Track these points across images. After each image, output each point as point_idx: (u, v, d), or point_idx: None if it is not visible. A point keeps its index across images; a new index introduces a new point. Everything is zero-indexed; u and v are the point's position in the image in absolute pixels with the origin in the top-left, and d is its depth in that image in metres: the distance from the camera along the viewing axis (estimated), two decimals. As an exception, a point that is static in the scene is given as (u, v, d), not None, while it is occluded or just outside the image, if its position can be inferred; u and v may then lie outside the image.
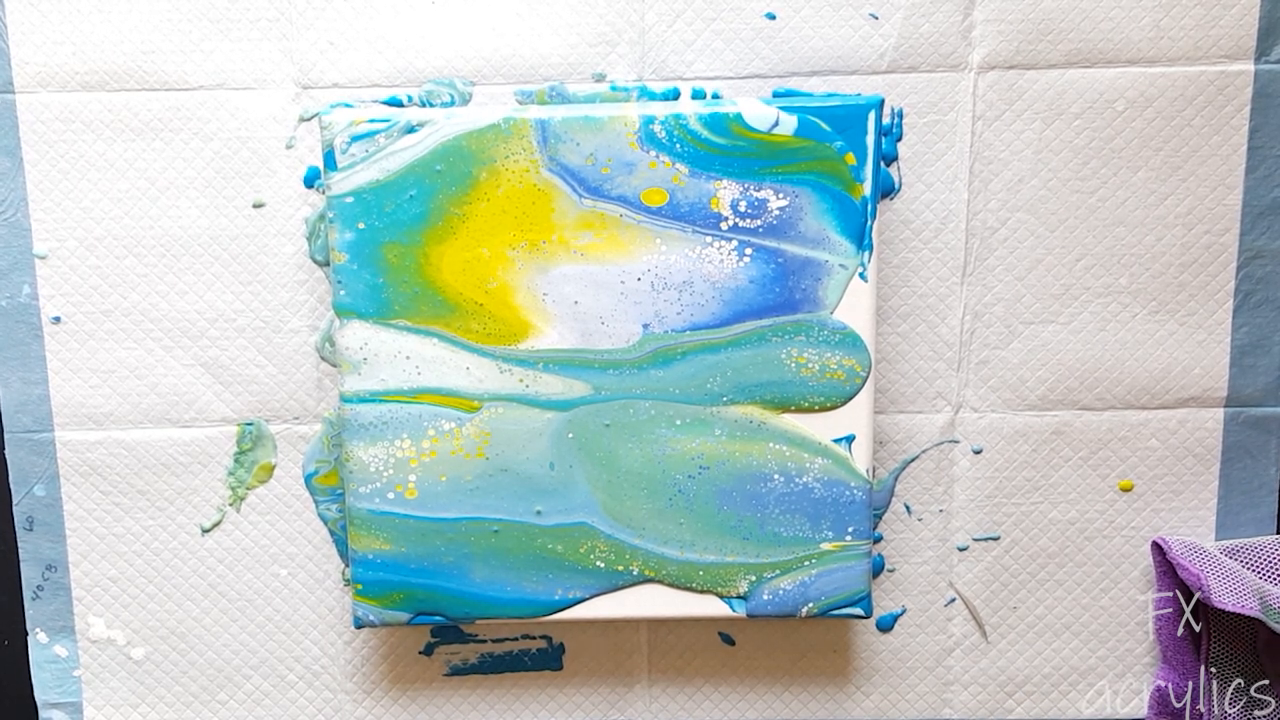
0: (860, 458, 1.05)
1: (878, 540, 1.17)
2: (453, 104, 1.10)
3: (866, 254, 1.02)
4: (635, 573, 1.07)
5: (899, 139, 1.10)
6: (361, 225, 1.02)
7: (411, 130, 1.01)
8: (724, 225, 1.01)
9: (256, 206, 1.11)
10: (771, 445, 1.05)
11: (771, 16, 1.08)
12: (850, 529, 1.06)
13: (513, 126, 1.00)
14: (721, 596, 1.07)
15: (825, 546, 1.06)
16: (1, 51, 1.08)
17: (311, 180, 1.11)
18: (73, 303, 1.12)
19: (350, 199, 1.01)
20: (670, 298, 1.02)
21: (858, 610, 1.08)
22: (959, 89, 1.10)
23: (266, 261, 1.12)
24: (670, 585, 1.07)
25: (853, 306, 1.03)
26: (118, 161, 1.10)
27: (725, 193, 1.01)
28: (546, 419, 1.04)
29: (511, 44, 1.09)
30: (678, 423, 1.04)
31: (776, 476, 1.05)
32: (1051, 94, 1.09)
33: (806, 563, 1.07)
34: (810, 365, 1.03)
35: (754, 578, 1.07)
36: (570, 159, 1.00)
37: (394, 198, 1.01)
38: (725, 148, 1.00)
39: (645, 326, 1.03)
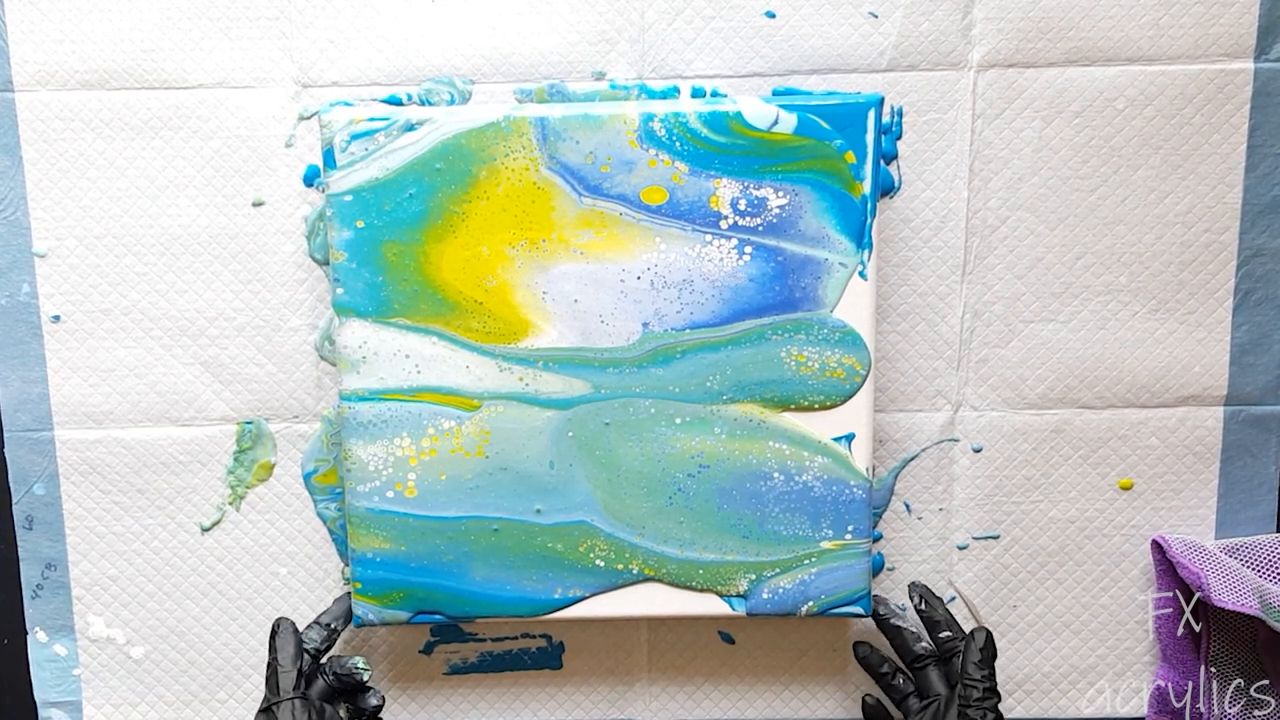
0: (860, 456, 1.05)
1: (877, 539, 1.17)
2: (452, 102, 1.10)
3: (866, 252, 1.02)
4: (635, 571, 1.07)
5: (899, 137, 1.10)
6: (360, 224, 1.02)
7: (411, 128, 1.00)
8: (724, 224, 1.01)
9: (256, 205, 1.11)
10: (771, 444, 1.05)
11: (771, 15, 1.08)
12: (850, 527, 1.06)
13: (512, 124, 1.00)
14: (721, 595, 1.07)
15: (825, 545, 1.06)
16: (1, 50, 1.08)
17: (311, 179, 1.11)
18: (72, 301, 1.12)
19: (349, 197, 1.01)
20: (670, 296, 1.02)
21: (858, 609, 1.08)
22: (959, 87, 1.10)
23: (266, 260, 1.12)
24: (670, 584, 1.07)
25: (852, 305, 1.03)
26: (117, 160, 1.10)
27: (725, 191, 1.01)
28: (546, 417, 1.04)
29: (511, 42, 1.09)
30: (677, 421, 1.04)
31: (776, 475, 1.05)
32: (1051, 92, 1.09)
33: (806, 561, 1.07)
34: (810, 364, 1.03)
35: (754, 576, 1.07)
36: (570, 157, 1.00)
37: (393, 196, 1.01)
38: (725, 146, 1.00)
39: (645, 325, 1.03)
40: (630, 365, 1.03)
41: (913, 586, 1.11)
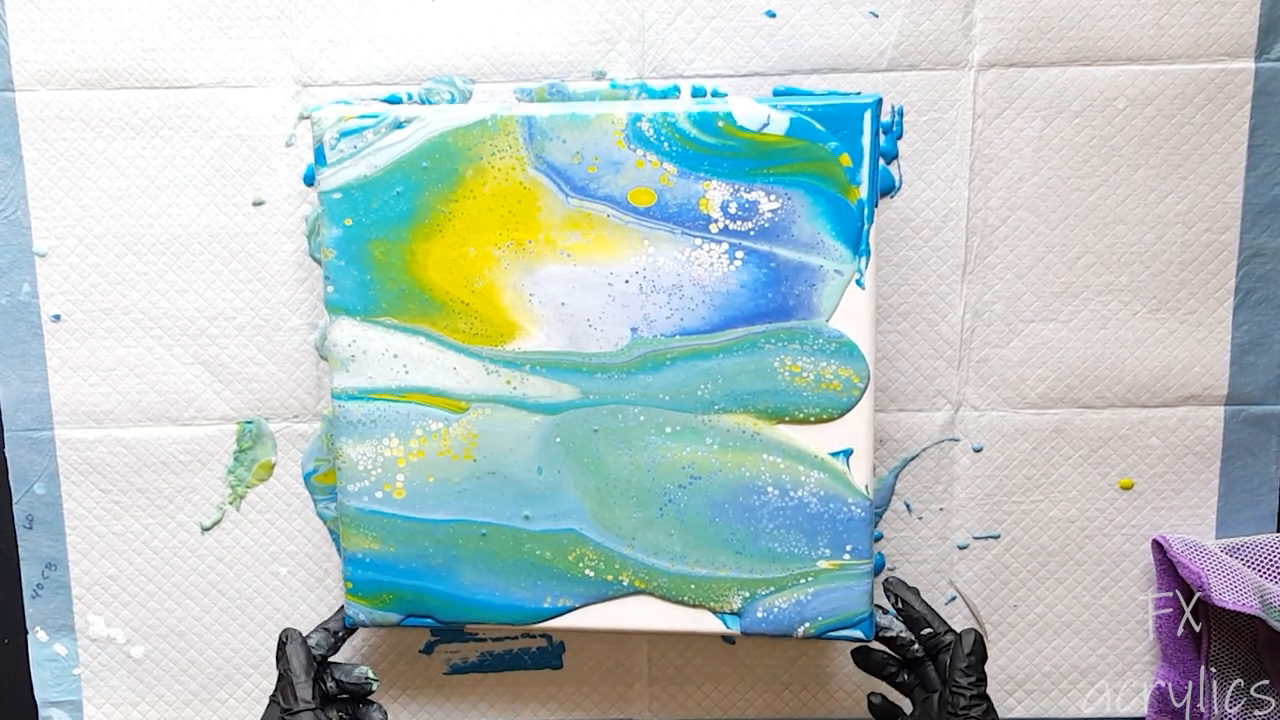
0: (859, 473, 1.01)
1: (878, 539, 1.16)
2: (453, 102, 1.10)
3: (864, 259, 0.98)
4: (626, 584, 1.04)
5: (899, 137, 1.10)
6: (349, 221, 1.01)
7: (399, 126, 1.00)
8: (714, 227, 0.98)
9: (256, 204, 1.12)
10: (765, 456, 1.01)
11: (772, 14, 1.08)
12: (849, 547, 1.02)
13: (499, 123, 0.99)
14: (714, 612, 1.04)
15: (822, 565, 1.02)
16: (1, 49, 1.09)
17: (311, 178, 1.11)
18: (72, 300, 1.13)
19: (339, 195, 1.01)
20: (659, 301, 1.00)
21: (858, 633, 1.03)
22: (959, 87, 1.09)
23: (266, 259, 1.12)
24: (662, 598, 1.04)
25: (850, 314, 0.99)
26: (117, 159, 1.11)
27: (715, 194, 0.98)
28: (534, 422, 1.03)
29: (511, 42, 1.09)
30: (668, 430, 1.02)
31: (770, 489, 1.02)
32: (1052, 92, 1.09)
33: (802, 580, 1.03)
34: (805, 375, 1.00)
35: (747, 594, 1.03)
36: (557, 157, 0.99)
37: (381, 194, 1.01)
38: (715, 147, 0.97)
39: (634, 330, 1.00)
40: (619, 371, 1.01)
41: (887, 586, 1.07)
